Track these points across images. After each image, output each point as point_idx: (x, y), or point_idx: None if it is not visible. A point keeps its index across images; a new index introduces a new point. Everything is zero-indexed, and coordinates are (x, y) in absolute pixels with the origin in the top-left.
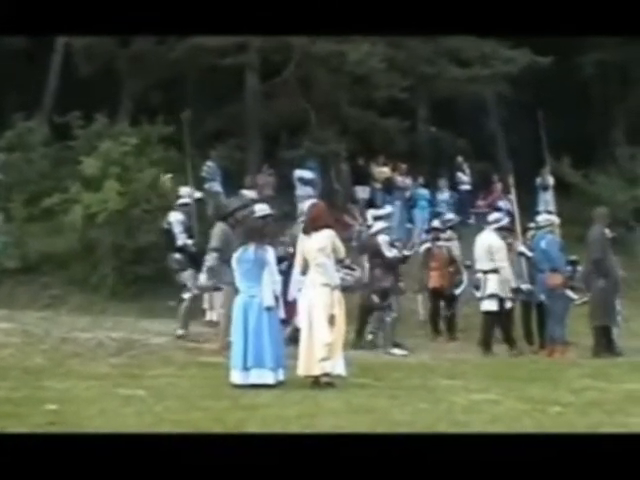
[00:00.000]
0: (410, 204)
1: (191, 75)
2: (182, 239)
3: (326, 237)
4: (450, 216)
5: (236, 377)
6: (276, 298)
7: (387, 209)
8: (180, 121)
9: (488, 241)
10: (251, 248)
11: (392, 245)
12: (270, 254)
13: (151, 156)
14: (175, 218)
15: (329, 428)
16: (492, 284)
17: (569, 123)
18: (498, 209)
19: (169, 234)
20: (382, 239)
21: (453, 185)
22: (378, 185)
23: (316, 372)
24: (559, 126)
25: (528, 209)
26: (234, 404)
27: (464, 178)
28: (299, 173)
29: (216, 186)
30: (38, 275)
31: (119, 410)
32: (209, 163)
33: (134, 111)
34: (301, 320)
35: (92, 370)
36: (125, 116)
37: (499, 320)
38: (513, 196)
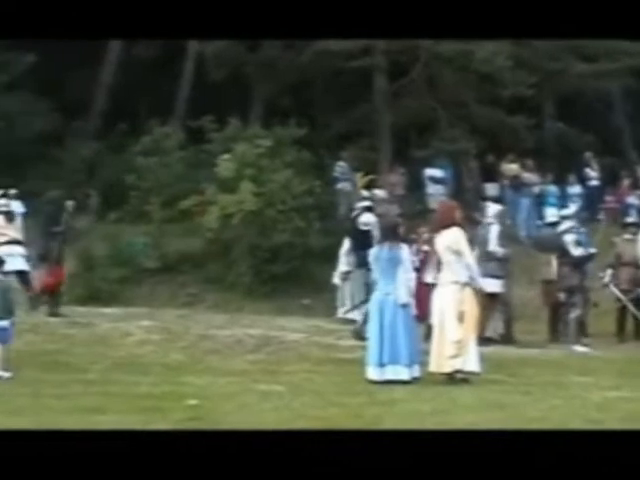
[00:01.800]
0: (540, 201)
1: (319, 78)
2: None
3: (453, 235)
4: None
5: (372, 373)
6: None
7: (572, 208)
8: (312, 123)
9: None
10: (386, 247)
11: (578, 244)
12: (405, 252)
13: (284, 158)
14: (372, 220)
15: (463, 424)
16: None
17: None
18: (627, 205)
19: (366, 235)
20: (569, 238)
21: (581, 181)
22: (507, 182)
23: (447, 369)
24: None
25: None
26: (370, 400)
27: (592, 174)
28: (429, 172)
29: (348, 186)
30: (176, 274)
31: (257, 406)
32: (341, 164)
33: (265, 114)
34: (433, 317)
35: (230, 366)
36: (256, 119)
37: None
38: None
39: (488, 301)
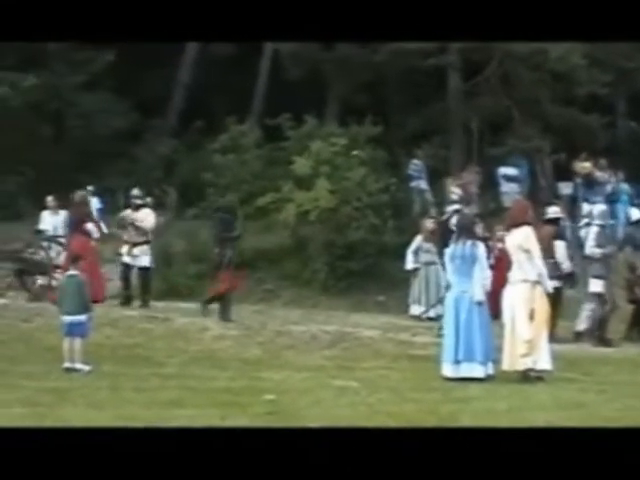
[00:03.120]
0: (612, 199)
1: (394, 76)
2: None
3: (524, 234)
4: None
5: (447, 370)
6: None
7: None
8: (386, 121)
9: None
10: (462, 244)
11: None
12: (481, 250)
13: (360, 155)
14: None
15: (540, 422)
16: None
17: None
18: None
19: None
20: None
21: None
22: (580, 180)
23: (519, 368)
24: None
25: None
26: (445, 397)
27: None
28: (503, 170)
29: (422, 184)
30: (253, 271)
31: (333, 401)
32: (415, 161)
33: (341, 112)
34: (504, 316)
35: (307, 362)
36: (332, 117)
37: None
38: None
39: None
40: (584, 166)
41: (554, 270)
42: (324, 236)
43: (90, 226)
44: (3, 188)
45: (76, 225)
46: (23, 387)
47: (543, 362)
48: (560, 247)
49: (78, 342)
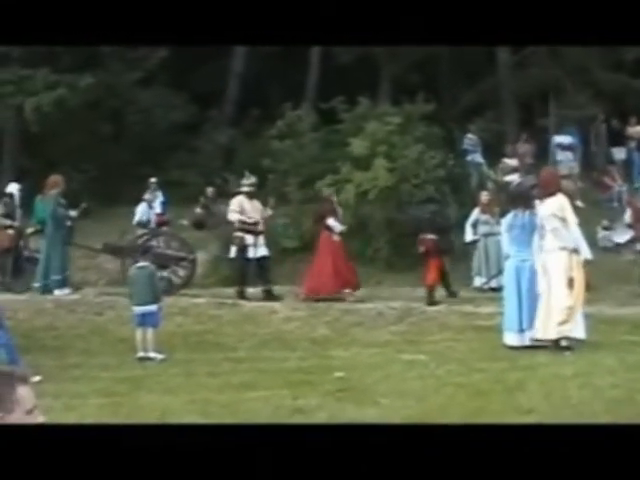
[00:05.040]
0: None
1: (444, 54)
2: None
3: (558, 202)
4: None
5: (511, 339)
6: None
7: None
8: (439, 98)
9: None
10: (520, 214)
11: None
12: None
13: (414, 133)
14: None
15: (606, 385)
16: None
17: None
18: None
19: None
20: None
21: None
22: (633, 145)
23: (553, 336)
24: None
25: None
26: (512, 365)
27: None
28: (558, 139)
29: (478, 157)
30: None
31: (403, 375)
32: (470, 136)
33: (393, 92)
34: (540, 284)
35: (374, 338)
36: (385, 97)
37: None
38: None
39: None
40: (636, 130)
41: None
42: (385, 214)
43: (332, 221)
44: (68, 187)
45: (319, 220)
46: (99, 378)
47: (578, 331)
48: None
49: (150, 332)
